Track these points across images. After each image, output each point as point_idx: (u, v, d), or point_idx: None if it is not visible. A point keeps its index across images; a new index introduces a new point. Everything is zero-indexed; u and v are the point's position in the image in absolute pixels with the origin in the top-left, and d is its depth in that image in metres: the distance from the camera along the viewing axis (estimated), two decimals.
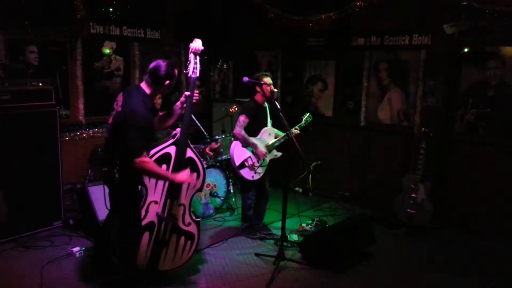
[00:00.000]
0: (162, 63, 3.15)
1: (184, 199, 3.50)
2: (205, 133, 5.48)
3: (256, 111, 4.51)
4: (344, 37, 5.74)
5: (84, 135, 5.36)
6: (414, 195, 4.85)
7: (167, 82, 3.20)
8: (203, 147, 5.37)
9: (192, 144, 3.52)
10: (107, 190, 3.46)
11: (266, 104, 4.61)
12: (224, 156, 5.38)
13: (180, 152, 3.37)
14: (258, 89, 4.37)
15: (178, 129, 3.47)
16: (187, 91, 3.42)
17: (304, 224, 4.81)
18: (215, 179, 5.21)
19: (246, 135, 4.40)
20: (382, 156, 5.62)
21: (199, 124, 5.39)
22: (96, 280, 3.58)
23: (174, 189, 3.41)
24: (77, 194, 4.86)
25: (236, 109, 5.32)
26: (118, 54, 5.65)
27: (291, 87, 6.55)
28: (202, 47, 3.42)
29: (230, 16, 6.35)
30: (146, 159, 3.07)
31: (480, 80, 4.76)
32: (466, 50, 4.78)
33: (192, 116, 5.52)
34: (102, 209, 4.27)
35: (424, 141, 4.78)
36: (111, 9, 5.08)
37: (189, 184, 3.48)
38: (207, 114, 6.66)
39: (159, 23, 5.95)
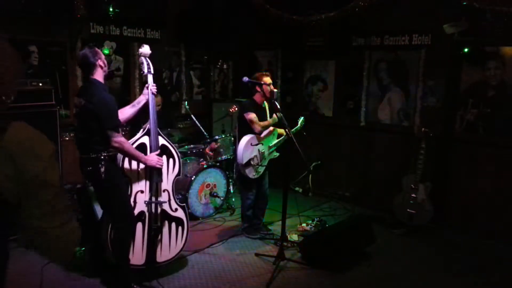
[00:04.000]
0: (84, 52, 3.27)
1: (166, 184, 3.62)
2: (205, 133, 5.48)
3: (256, 110, 4.51)
4: (344, 37, 5.74)
5: None
6: (414, 195, 4.85)
7: (99, 60, 3.29)
8: (203, 147, 5.37)
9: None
10: None
11: (265, 104, 4.61)
12: (224, 156, 5.37)
13: (153, 140, 3.53)
14: (258, 89, 4.37)
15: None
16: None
17: (304, 224, 4.81)
18: (215, 179, 5.21)
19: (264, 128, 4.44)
20: (382, 156, 5.62)
21: (199, 124, 5.38)
22: (95, 279, 3.58)
23: (155, 173, 3.54)
24: (77, 194, 4.86)
25: (236, 109, 5.31)
26: (118, 54, 5.65)
27: (291, 87, 6.54)
28: (150, 51, 3.68)
29: (230, 16, 6.34)
30: (123, 139, 3.24)
31: (480, 80, 4.76)
32: (466, 50, 4.78)
33: (192, 116, 5.57)
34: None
35: (424, 141, 4.78)
36: (111, 9, 5.07)
37: (168, 169, 3.61)
38: (207, 114, 6.66)
39: (159, 23, 5.94)
